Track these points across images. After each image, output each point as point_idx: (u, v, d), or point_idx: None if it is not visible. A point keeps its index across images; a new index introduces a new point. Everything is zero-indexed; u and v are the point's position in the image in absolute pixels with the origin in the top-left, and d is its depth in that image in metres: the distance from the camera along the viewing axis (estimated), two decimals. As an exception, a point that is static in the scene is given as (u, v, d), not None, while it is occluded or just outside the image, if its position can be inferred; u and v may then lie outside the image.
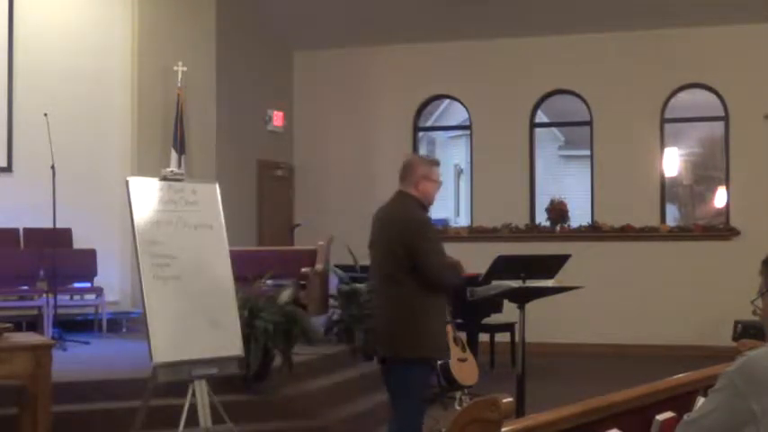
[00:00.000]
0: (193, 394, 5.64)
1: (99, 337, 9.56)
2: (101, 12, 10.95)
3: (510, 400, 2.48)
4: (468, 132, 13.61)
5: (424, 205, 5.35)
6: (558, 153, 16.76)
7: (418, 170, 5.31)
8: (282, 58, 13.70)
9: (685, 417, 2.68)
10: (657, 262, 12.27)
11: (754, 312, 2.80)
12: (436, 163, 5.53)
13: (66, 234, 10.28)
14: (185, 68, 10.97)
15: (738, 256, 11.33)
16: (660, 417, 3.11)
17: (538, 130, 13.39)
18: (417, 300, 5.19)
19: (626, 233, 12.45)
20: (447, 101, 14.26)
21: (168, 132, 10.96)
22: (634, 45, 12.54)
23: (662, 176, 12.63)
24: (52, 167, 8.91)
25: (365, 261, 6.18)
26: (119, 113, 10.84)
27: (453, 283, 5.47)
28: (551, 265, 6.42)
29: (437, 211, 16.04)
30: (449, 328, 8.49)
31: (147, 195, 5.90)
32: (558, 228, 12.74)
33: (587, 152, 13.12)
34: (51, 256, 9.16)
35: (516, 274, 6.20)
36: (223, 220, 6.23)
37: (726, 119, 12.44)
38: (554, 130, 15.68)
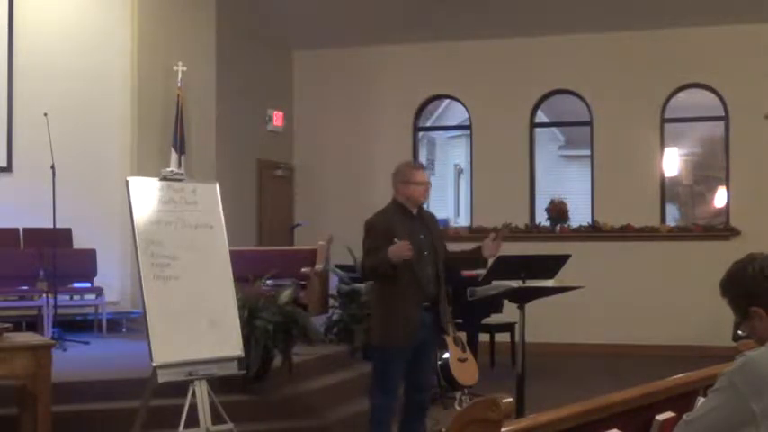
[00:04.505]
0: (193, 394, 5.64)
1: (99, 338, 9.55)
2: (101, 12, 10.94)
3: (510, 400, 2.48)
4: (468, 132, 13.59)
5: (407, 207, 5.75)
6: (558, 153, 16.73)
7: (397, 176, 5.80)
8: (282, 58, 13.69)
9: (685, 417, 2.68)
10: (657, 262, 12.27)
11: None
12: (417, 167, 5.93)
13: (66, 234, 10.27)
14: (185, 68, 10.96)
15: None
16: (660, 417, 3.11)
17: (538, 130, 13.39)
18: (376, 291, 5.89)
19: (626, 233, 12.44)
20: (447, 101, 14.25)
21: (168, 132, 10.95)
22: (634, 45, 12.53)
23: (662, 176, 12.62)
24: (52, 167, 8.90)
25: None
26: (119, 113, 10.82)
27: (374, 270, 5.71)
28: (551, 265, 6.43)
29: (436, 211, 16.07)
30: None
31: (147, 195, 5.90)
32: (558, 228, 12.73)
33: (587, 152, 13.11)
34: (51, 256, 9.15)
35: (516, 274, 6.21)
36: (223, 220, 6.23)
37: (726, 119, 12.44)
38: (554, 130, 15.66)
